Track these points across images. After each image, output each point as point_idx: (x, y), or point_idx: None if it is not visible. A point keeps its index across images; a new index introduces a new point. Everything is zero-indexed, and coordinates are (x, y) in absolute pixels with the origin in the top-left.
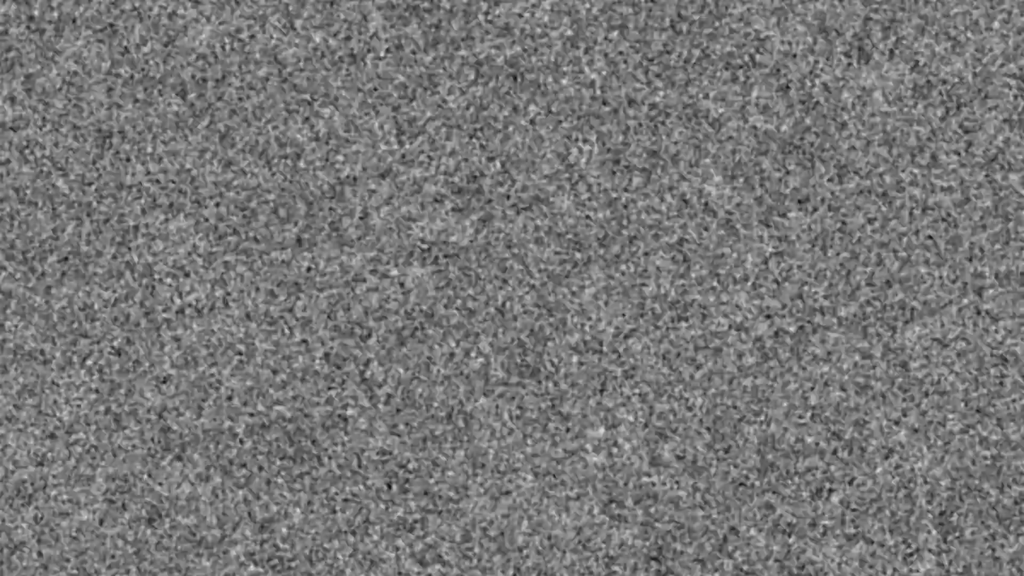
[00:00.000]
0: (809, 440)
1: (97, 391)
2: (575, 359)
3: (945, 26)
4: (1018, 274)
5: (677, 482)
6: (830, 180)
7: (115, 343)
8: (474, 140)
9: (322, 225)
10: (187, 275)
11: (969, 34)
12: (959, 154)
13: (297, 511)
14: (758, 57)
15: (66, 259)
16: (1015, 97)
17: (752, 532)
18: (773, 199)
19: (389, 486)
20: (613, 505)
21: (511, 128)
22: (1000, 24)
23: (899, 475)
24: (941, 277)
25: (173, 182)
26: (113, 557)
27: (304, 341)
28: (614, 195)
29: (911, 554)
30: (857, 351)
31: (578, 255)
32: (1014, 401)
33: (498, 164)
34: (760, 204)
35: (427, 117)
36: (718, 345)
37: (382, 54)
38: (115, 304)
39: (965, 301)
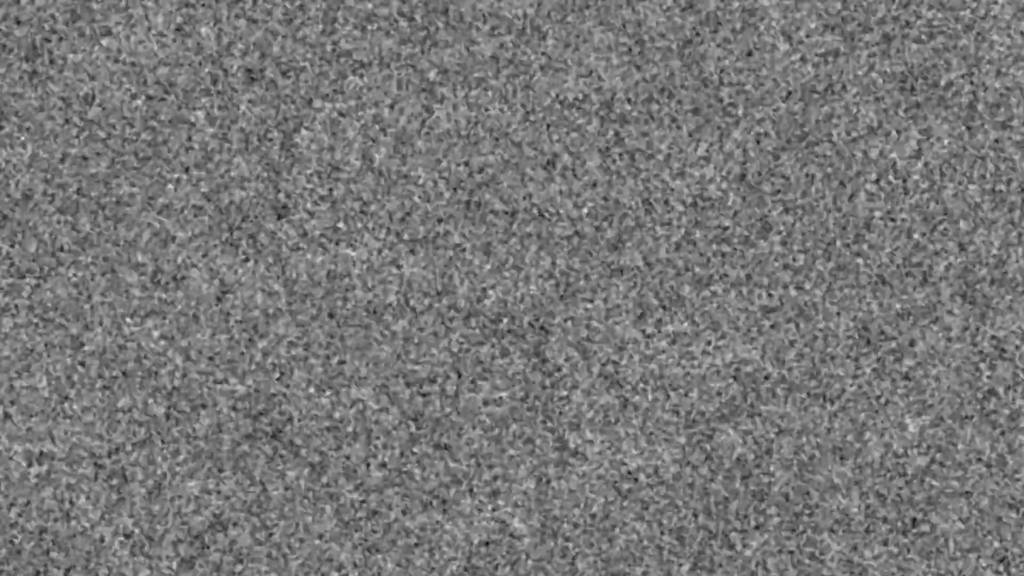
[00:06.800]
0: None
1: (98, 387)
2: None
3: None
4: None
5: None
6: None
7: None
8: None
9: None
10: (187, 271)
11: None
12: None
13: (295, 510)
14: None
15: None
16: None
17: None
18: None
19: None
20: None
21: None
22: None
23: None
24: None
25: (169, 180)
26: (114, 556)
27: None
28: (613, 193)
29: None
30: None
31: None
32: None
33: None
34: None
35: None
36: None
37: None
38: (115, 301)
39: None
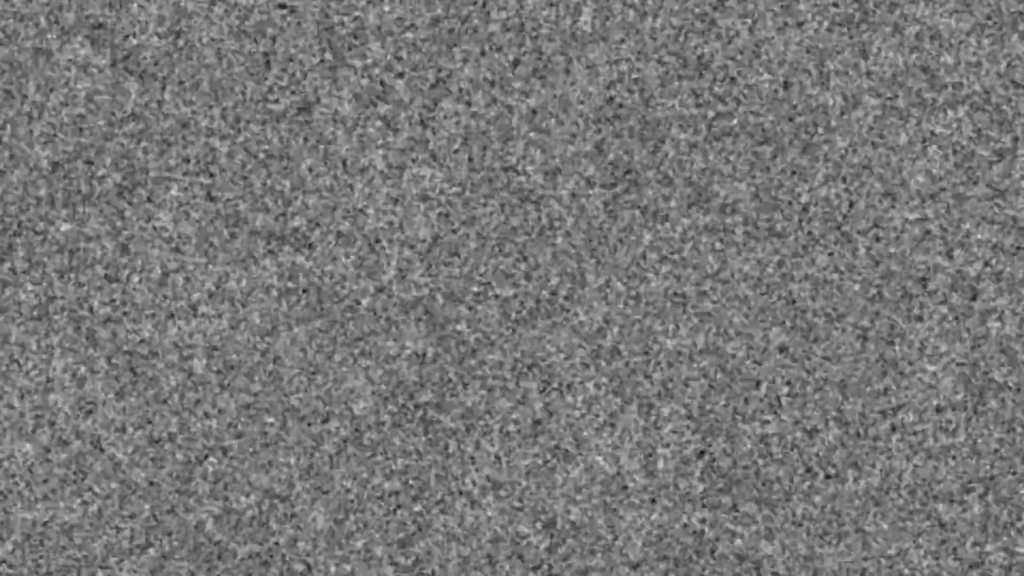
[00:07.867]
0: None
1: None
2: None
3: None
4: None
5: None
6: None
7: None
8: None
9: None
10: (185, 273)
11: None
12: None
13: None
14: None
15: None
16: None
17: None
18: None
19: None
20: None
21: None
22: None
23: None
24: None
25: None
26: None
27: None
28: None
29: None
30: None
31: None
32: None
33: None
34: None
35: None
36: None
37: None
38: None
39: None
